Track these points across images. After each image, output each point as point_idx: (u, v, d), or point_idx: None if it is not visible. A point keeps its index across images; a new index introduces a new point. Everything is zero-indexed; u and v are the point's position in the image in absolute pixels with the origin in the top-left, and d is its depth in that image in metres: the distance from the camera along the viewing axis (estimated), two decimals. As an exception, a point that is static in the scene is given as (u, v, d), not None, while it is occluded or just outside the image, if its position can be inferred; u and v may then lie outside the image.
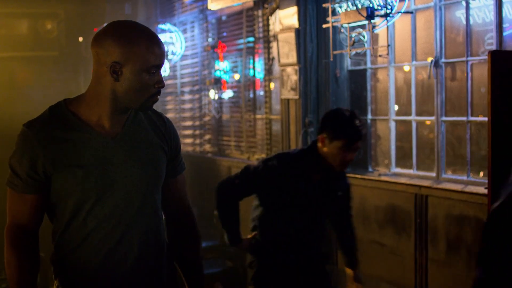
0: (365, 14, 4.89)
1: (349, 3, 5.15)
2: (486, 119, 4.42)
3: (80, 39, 10.31)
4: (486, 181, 4.15)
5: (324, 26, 5.64)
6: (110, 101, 2.37)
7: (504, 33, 4.46)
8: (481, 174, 4.75)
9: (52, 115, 2.40)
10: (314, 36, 5.98)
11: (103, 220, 2.40)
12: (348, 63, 5.97)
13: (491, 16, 4.59)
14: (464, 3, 4.79)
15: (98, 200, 2.38)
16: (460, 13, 4.86)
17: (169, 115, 9.06)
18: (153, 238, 2.51)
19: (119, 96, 2.36)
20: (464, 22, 4.79)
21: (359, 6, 4.97)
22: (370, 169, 5.78)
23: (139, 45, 2.31)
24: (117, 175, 2.40)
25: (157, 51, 2.34)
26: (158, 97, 2.42)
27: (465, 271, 4.62)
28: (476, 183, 4.71)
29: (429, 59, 5.05)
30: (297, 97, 6.07)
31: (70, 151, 2.36)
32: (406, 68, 5.41)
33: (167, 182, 2.61)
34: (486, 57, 3.88)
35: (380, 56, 5.37)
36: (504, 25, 4.46)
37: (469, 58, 4.78)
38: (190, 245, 2.68)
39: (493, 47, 4.50)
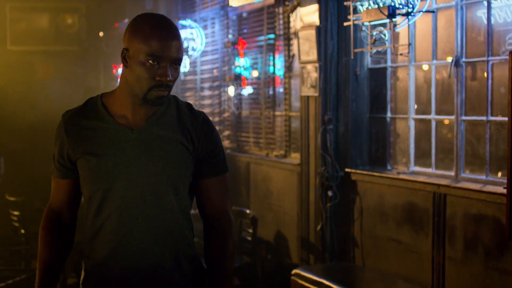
0: (386, 13, 4.90)
1: (371, 1, 5.16)
2: (506, 119, 4.42)
3: (101, 34, 10.37)
4: (505, 180, 4.17)
5: (345, 24, 5.66)
6: (126, 91, 2.37)
7: (526, 33, 4.47)
8: (500, 174, 4.76)
9: (86, 105, 2.46)
10: (335, 33, 6.00)
11: (113, 212, 2.38)
12: (368, 61, 5.99)
13: (512, 16, 4.60)
14: (485, 3, 4.79)
15: (109, 190, 2.37)
16: (481, 13, 4.86)
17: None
18: (167, 238, 2.42)
19: (129, 84, 2.35)
20: (485, 21, 4.80)
21: (381, 5, 4.98)
22: (388, 167, 5.79)
23: (142, 31, 2.28)
24: (130, 167, 2.37)
25: (161, 40, 2.27)
26: (163, 92, 2.32)
27: (482, 270, 4.63)
28: (494, 182, 4.71)
29: (450, 59, 5.06)
30: (317, 94, 6.10)
31: (87, 139, 2.38)
32: (426, 67, 5.42)
33: (201, 183, 2.51)
34: (507, 57, 3.89)
35: (400, 54, 5.38)
36: (526, 25, 4.47)
37: (490, 58, 4.78)
38: (218, 249, 2.55)
39: (514, 47, 4.51)
